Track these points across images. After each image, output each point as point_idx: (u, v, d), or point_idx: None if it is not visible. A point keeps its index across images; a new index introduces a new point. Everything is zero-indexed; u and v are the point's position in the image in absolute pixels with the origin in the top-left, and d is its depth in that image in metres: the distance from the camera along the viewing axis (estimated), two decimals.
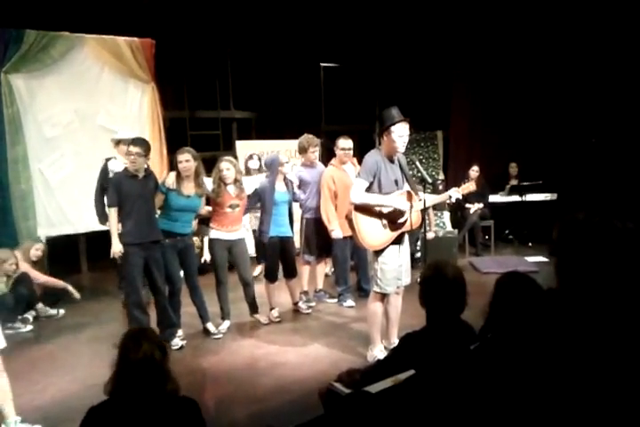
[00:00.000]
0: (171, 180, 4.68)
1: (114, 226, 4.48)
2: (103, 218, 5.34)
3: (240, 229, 5.16)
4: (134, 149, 4.45)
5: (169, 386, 2.12)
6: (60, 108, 6.75)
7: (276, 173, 5.20)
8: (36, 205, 6.43)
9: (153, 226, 4.57)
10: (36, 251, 5.80)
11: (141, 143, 4.56)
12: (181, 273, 4.97)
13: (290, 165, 5.39)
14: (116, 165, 5.35)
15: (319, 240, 5.68)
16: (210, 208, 5.02)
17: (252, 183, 5.21)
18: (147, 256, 4.55)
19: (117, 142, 5.55)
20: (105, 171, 5.41)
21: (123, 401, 2.05)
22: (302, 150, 5.65)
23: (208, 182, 4.92)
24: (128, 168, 4.53)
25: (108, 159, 5.50)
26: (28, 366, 4.41)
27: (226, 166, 4.90)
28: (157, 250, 4.61)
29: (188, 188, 4.73)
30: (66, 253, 5.93)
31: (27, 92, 6.52)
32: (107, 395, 2.10)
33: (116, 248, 4.44)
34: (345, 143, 5.56)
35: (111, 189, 4.53)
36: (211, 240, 5.04)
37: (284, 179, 5.34)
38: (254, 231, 5.54)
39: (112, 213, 4.50)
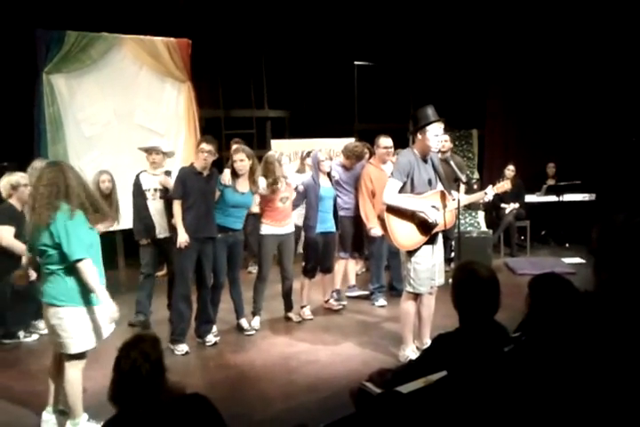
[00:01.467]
0: (227, 177, 4.78)
1: (179, 217, 4.57)
2: (140, 234, 5.27)
3: (291, 222, 5.25)
4: (207, 147, 4.58)
5: (162, 396, 2.06)
6: (99, 107, 6.88)
7: (317, 169, 5.31)
8: None
9: (210, 222, 4.67)
10: (103, 183, 5.38)
11: (212, 142, 4.69)
12: None
13: (327, 164, 5.40)
14: (147, 179, 5.22)
15: (353, 238, 5.72)
16: (256, 208, 5.12)
17: (296, 179, 5.31)
18: (200, 250, 4.64)
19: (147, 151, 5.28)
20: (137, 185, 5.22)
21: (129, 412, 2.03)
22: (347, 156, 5.66)
23: (260, 181, 5.01)
24: (195, 165, 4.64)
25: (138, 173, 5.31)
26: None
27: (283, 161, 5.10)
28: (210, 246, 4.71)
29: (243, 185, 4.83)
30: (104, 250, 6.01)
31: (67, 92, 6.67)
32: (109, 400, 2.08)
33: (182, 238, 4.51)
34: (386, 142, 5.56)
35: (177, 182, 4.64)
36: (263, 235, 5.11)
37: (329, 175, 5.40)
38: (298, 227, 5.59)
39: (176, 205, 4.60)
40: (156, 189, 5.15)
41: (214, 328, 4.91)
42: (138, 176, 5.26)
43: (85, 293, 3.21)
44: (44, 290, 3.21)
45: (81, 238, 3.16)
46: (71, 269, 3.17)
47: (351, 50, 8.98)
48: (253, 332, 5.03)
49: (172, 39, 7.28)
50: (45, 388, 3.54)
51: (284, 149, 7.35)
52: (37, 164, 5.04)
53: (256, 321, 5.15)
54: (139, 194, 5.21)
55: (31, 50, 6.41)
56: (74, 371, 3.31)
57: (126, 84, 7.06)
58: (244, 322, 5.09)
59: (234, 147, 6.59)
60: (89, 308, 3.23)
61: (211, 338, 4.79)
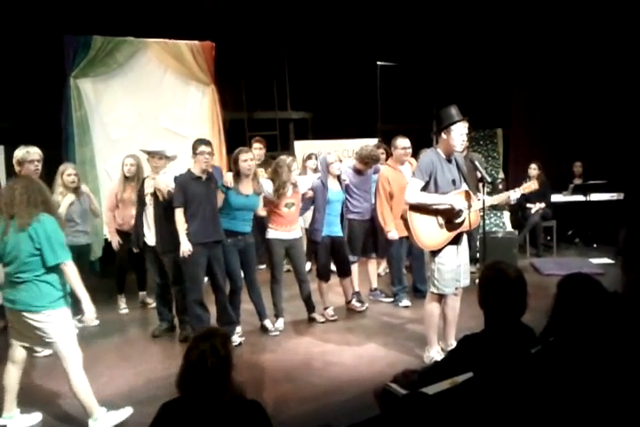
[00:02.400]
0: (229, 179, 4.77)
1: (181, 226, 4.52)
2: (134, 243, 5.17)
3: (297, 228, 5.23)
4: (207, 149, 4.57)
5: (226, 395, 2.09)
6: (125, 110, 6.98)
7: (326, 172, 5.27)
8: (101, 204, 6.68)
9: (217, 226, 4.66)
10: (125, 166, 5.38)
11: (210, 143, 4.70)
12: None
13: (337, 166, 5.33)
14: (149, 184, 4.99)
15: (363, 241, 5.71)
16: (263, 212, 5.10)
17: (305, 182, 5.27)
18: (210, 255, 4.64)
19: (149, 154, 5.01)
20: (140, 191, 5.07)
21: (189, 400, 2.08)
22: (365, 163, 5.51)
23: (266, 184, 5.00)
24: (193, 170, 4.60)
25: (143, 179, 5.15)
26: (94, 358, 4.58)
27: (294, 167, 5.01)
28: (219, 249, 4.71)
29: (247, 187, 4.81)
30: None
31: (94, 96, 6.79)
32: (176, 387, 2.14)
33: (185, 247, 4.48)
34: (404, 142, 5.51)
35: (177, 190, 4.55)
36: (269, 240, 5.11)
37: (339, 178, 5.37)
38: (306, 230, 5.60)
39: (178, 213, 4.53)
40: (152, 194, 4.92)
41: (238, 329, 4.93)
42: (143, 181, 5.11)
43: (57, 295, 3.29)
44: (16, 298, 3.25)
45: (62, 241, 3.27)
46: (44, 275, 3.24)
47: (374, 50, 8.97)
48: (278, 333, 5.05)
49: (195, 42, 7.37)
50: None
51: (307, 151, 7.35)
52: (69, 169, 5.11)
53: (280, 322, 5.17)
54: (139, 201, 5.07)
55: (59, 55, 6.55)
56: (76, 370, 3.36)
57: (151, 87, 7.17)
58: (267, 323, 5.11)
59: (255, 145, 6.65)
60: (62, 309, 3.32)
61: (235, 338, 4.81)
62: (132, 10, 7.06)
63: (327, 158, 5.34)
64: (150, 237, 5.05)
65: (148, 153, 5.02)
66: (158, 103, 7.21)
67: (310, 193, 5.25)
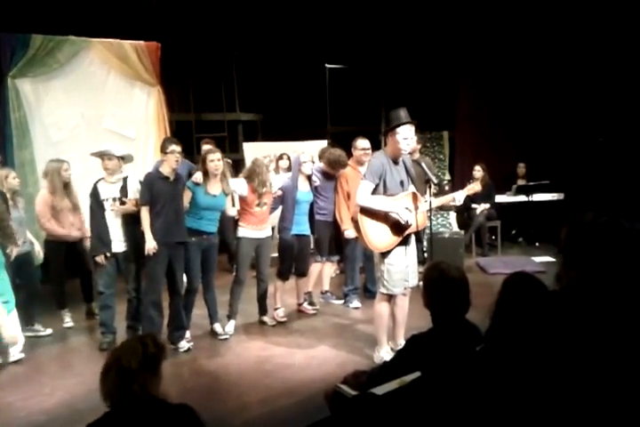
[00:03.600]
0: (199, 175, 4.75)
1: (147, 224, 4.50)
2: (98, 250, 4.78)
3: (268, 227, 5.24)
4: (178, 148, 4.57)
5: (151, 400, 2.02)
6: (67, 111, 6.77)
7: (297, 171, 5.30)
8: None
9: (180, 227, 4.63)
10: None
11: (179, 142, 4.68)
12: None
13: (309, 166, 5.34)
14: (105, 187, 4.80)
15: (329, 242, 5.72)
16: (234, 211, 5.09)
17: (277, 182, 5.29)
18: (171, 256, 4.60)
19: (100, 156, 4.80)
20: (95, 195, 4.80)
21: (112, 414, 2.00)
22: (332, 167, 5.47)
23: (237, 184, 4.99)
24: (161, 170, 4.59)
25: (96, 182, 4.86)
26: (36, 369, 4.44)
27: (268, 168, 5.09)
28: (181, 251, 4.68)
29: (215, 187, 4.80)
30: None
31: (33, 97, 6.56)
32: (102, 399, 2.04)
33: (150, 245, 4.46)
34: (363, 143, 5.55)
35: (143, 188, 4.56)
36: (240, 238, 5.09)
37: (309, 178, 5.39)
38: (272, 229, 5.58)
39: (144, 211, 4.52)
40: (114, 199, 4.77)
41: (187, 334, 4.85)
42: (95, 185, 4.85)
43: None
44: None
45: None
46: None
47: (322, 53, 9.00)
48: (227, 336, 4.99)
49: (140, 42, 7.22)
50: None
51: (256, 152, 7.31)
52: (13, 173, 4.92)
53: (230, 326, 5.11)
54: (97, 206, 4.79)
55: None
56: None
57: (94, 88, 6.98)
58: (217, 327, 5.05)
59: (205, 147, 6.56)
60: None
61: (184, 344, 4.73)
62: (74, 8, 6.86)
63: (300, 158, 5.35)
64: (115, 244, 4.82)
65: (99, 156, 4.82)
66: (102, 104, 7.03)
67: (279, 192, 5.26)
